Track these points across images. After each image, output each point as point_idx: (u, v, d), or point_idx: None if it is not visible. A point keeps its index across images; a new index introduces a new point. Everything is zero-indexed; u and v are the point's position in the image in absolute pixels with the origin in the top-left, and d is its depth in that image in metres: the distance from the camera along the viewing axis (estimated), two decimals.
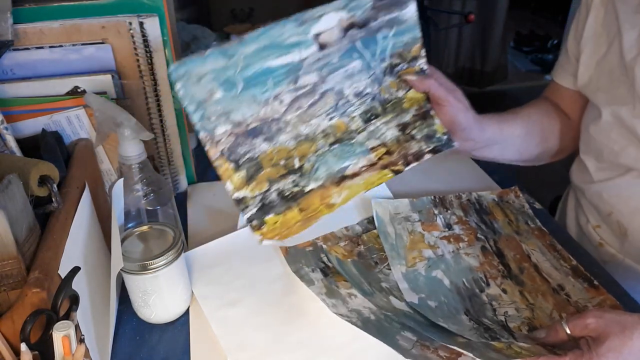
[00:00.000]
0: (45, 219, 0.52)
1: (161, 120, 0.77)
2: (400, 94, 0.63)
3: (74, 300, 0.46)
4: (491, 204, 0.79)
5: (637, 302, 0.64)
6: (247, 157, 0.55)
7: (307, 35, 0.56)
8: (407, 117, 0.64)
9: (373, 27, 0.59)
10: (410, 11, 0.60)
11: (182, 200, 0.82)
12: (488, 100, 3.20)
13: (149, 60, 0.72)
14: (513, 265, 0.68)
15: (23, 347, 0.40)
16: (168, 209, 0.68)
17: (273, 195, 0.56)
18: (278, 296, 0.63)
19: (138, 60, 0.71)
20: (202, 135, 0.53)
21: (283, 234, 0.56)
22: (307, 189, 0.58)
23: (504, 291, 0.64)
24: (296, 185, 0.57)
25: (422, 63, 0.64)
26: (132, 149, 0.61)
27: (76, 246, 0.53)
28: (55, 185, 0.51)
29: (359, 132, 0.61)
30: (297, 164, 0.58)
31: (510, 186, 0.82)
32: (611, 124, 0.69)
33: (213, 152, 0.54)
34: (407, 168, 0.62)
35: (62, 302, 0.44)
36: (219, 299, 0.63)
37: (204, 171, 0.91)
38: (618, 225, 0.73)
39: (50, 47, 0.67)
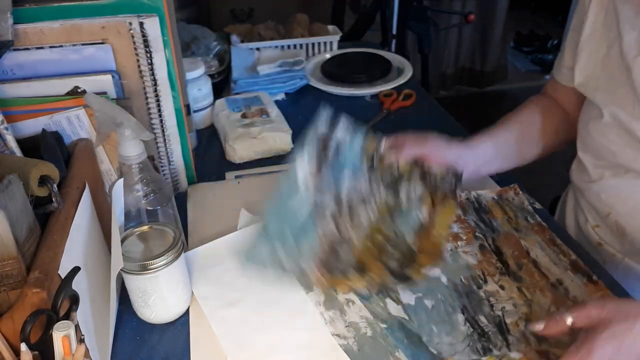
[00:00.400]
0: (46, 219, 0.52)
1: (161, 121, 0.77)
2: (395, 172, 0.70)
3: (74, 300, 0.46)
4: (490, 202, 0.79)
5: (637, 301, 0.64)
6: (344, 267, 0.60)
7: (298, 189, 0.65)
8: (418, 180, 0.70)
9: (333, 153, 0.69)
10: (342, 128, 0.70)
11: (182, 201, 0.82)
12: (488, 100, 3.20)
13: (149, 61, 0.72)
14: (511, 262, 0.68)
15: (23, 347, 0.40)
16: (168, 209, 0.68)
17: (395, 270, 0.60)
18: (278, 296, 0.63)
19: (138, 60, 0.71)
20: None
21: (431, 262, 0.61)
22: (412, 246, 0.63)
23: (502, 287, 0.64)
24: (402, 252, 0.62)
25: (381, 148, 0.72)
26: (132, 149, 0.61)
27: (76, 246, 0.53)
28: (55, 185, 0.51)
29: (400, 205, 0.66)
30: (386, 241, 0.63)
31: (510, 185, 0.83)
32: (610, 124, 0.69)
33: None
34: (457, 199, 0.69)
35: (62, 302, 0.44)
36: (219, 299, 0.63)
37: (204, 171, 0.91)
38: (616, 225, 0.73)
39: (51, 47, 0.67)
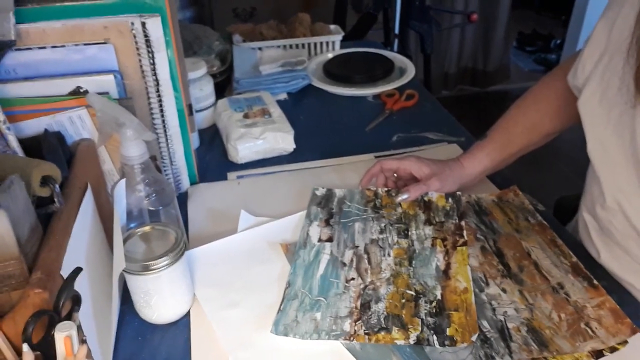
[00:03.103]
0: (48, 219, 0.52)
1: (163, 121, 0.77)
2: (399, 210, 0.77)
3: (76, 300, 0.46)
4: (490, 204, 0.79)
5: (638, 300, 0.64)
6: (381, 320, 0.60)
7: (314, 246, 0.71)
8: (423, 217, 0.76)
9: (337, 207, 0.78)
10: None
11: (183, 200, 0.82)
12: (490, 100, 3.19)
13: (151, 61, 0.72)
14: (512, 264, 0.68)
15: (25, 347, 0.40)
16: (170, 209, 0.68)
17: (429, 320, 0.60)
18: (279, 298, 0.63)
19: (140, 60, 0.71)
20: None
21: (469, 330, 0.59)
22: (439, 296, 0.63)
23: (504, 290, 0.64)
24: (431, 302, 0.62)
25: (379, 192, 0.81)
26: (135, 150, 0.61)
27: (78, 246, 0.53)
28: (57, 186, 0.51)
29: (413, 245, 0.71)
30: (413, 292, 0.64)
31: (510, 187, 0.83)
32: (615, 210, 0.65)
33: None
34: (465, 238, 0.72)
35: (64, 303, 0.44)
36: (220, 299, 0.63)
37: (206, 171, 0.91)
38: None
39: (53, 47, 0.68)
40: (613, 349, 0.56)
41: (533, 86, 0.83)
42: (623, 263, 0.67)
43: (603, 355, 0.56)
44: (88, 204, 0.58)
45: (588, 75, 0.66)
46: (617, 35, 0.62)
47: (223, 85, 1.17)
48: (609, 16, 0.64)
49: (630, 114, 0.59)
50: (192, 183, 0.87)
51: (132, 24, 0.69)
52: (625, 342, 0.57)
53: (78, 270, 0.46)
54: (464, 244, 0.70)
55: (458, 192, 0.79)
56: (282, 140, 0.94)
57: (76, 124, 0.67)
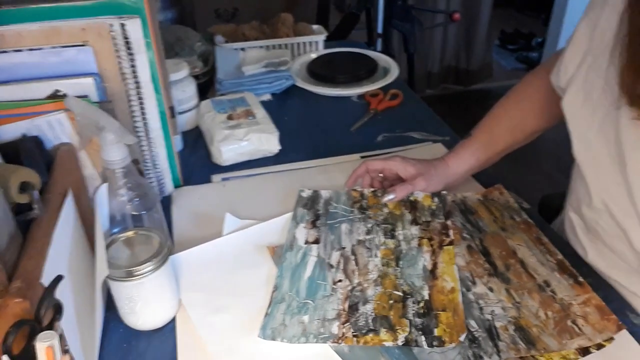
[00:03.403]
0: (27, 227, 0.50)
1: (145, 124, 0.76)
2: (385, 210, 0.77)
3: (58, 309, 0.45)
4: (476, 203, 0.79)
5: (624, 297, 0.64)
6: (369, 322, 0.60)
7: (301, 248, 0.70)
8: (409, 217, 0.76)
9: (323, 208, 0.78)
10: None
11: (167, 204, 0.81)
12: (473, 98, 3.22)
13: (132, 63, 0.71)
14: (499, 263, 0.68)
15: (5, 359, 0.39)
16: (154, 213, 0.67)
17: (417, 321, 0.59)
18: (265, 301, 0.62)
19: (120, 62, 0.70)
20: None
21: (457, 330, 0.58)
22: (426, 297, 0.63)
23: (490, 289, 0.64)
24: (419, 303, 0.62)
25: (365, 192, 0.82)
26: (116, 153, 0.60)
27: (60, 253, 0.51)
28: (36, 192, 0.50)
29: (400, 245, 0.71)
30: (400, 293, 0.63)
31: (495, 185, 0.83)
32: (601, 211, 0.65)
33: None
34: (451, 237, 0.72)
35: (45, 312, 0.43)
36: (206, 304, 0.62)
37: (190, 174, 0.90)
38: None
39: (29, 49, 0.66)
40: (599, 346, 0.56)
41: (516, 85, 0.83)
42: (610, 261, 0.67)
43: (590, 352, 0.56)
44: (69, 209, 0.57)
45: (571, 76, 0.66)
46: (599, 36, 0.62)
47: (206, 87, 1.16)
48: (590, 17, 0.64)
49: (614, 115, 0.59)
50: (176, 186, 0.86)
51: (111, 25, 0.68)
52: (612, 338, 0.57)
53: (59, 279, 0.44)
54: (451, 243, 0.70)
55: (444, 192, 0.79)
56: (267, 141, 0.93)
57: (55, 128, 0.65)
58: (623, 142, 0.58)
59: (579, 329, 0.58)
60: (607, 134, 0.61)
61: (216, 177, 0.89)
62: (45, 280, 0.46)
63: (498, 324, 0.59)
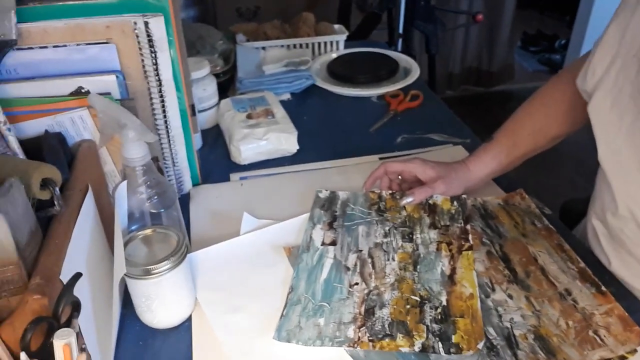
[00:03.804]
0: (48, 223, 0.51)
1: (166, 122, 0.76)
2: (404, 213, 0.76)
3: (76, 307, 0.45)
4: (496, 208, 0.78)
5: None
6: (385, 327, 0.59)
7: (318, 250, 0.70)
8: (427, 220, 0.75)
9: (340, 209, 0.77)
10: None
11: (185, 202, 0.82)
12: (495, 100, 3.18)
13: (154, 61, 0.71)
14: (519, 270, 0.67)
15: (23, 356, 0.40)
16: (172, 211, 0.67)
17: (434, 327, 0.59)
18: (281, 302, 0.62)
19: (143, 60, 0.70)
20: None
21: (475, 337, 0.57)
22: (444, 302, 0.62)
23: (510, 296, 0.63)
24: (437, 308, 0.61)
25: (384, 194, 0.81)
26: (136, 151, 0.61)
27: (79, 250, 0.52)
28: (57, 189, 0.50)
29: (418, 249, 0.70)
30: (418, 298, 0.62)
31: (516, 190, 0.82)
32: (627, 219, 0.64)
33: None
34: (470, 242, 0.71)
35: (63, 309, 0.43)
36: (222, 304, 0.62)
37: (209, 172, 0.90)
38: None
39: (54, 46, 0.67)
40: (622, 358, 0.55)
41: (540, 88, 0.81)
42: (634, 271, 0.66)
43: None
44: (89, 206, 0.57)
45: (598, 80, 0.64)
46: (629, 40, 0.60)
47: (226, 85, 1.16)
48: (620, 20, 0.62)
49: None
50: (195, 184, 0.86)
51: (135, 23, 0.68)
52: (635, 350, 0.56)
53: (78, 276, 0.45)
54: (470, 248, 0.69)
55: (463, 195, 0.78)
56: (286, 141, 0.93)
57: (77, 125, 0.66)
58: None
59: (601, 339, 0.57)
60: (635, 139, 0.59)
61: (234, 176, 0.89)
62: (65, 276, 0.46)
63: (517, 332, 0.58)
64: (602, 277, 0.65)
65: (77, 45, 0.67)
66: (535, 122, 0.79)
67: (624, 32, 0.61)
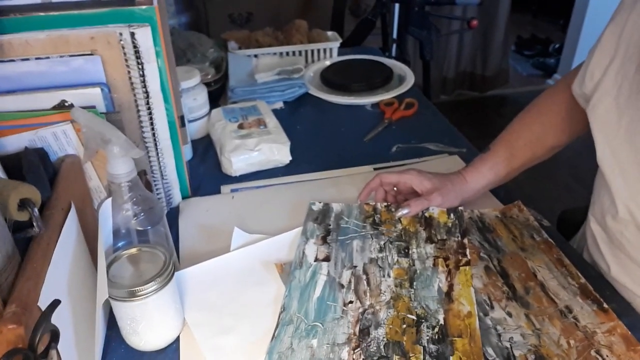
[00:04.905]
0: (27, 244, 0.49)
1: (154, 134, 0.74)
2: (399, 226, 0.74)
3: (54, 335, 0.43)
4: (494, 220, 0.76)
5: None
6: (381, 348, 0.57)
7: (311, 266, 0.68)
8: (424, 234, 0.73)
9: (334, 223, 0.75)
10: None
11: (174, 215, 0.79)
12: (489, 104, 3.17)
13: (141, 72, 0.69)
14: (518, 286, 0.65)
15: None
16: (159, 227, 0.65)
17: (431, 347, 0.57)
18: (273, 322, 0.60)
19: (129, 72, 0.68)
20: None
21: (474, 358, 0.56)
22: (441, 321, 0.60)
23: (509, 314, 0.61)
24: (434, 328, 0.59)
25: (379, 206, 0.79)
26: (121, 167, 0.58)
27: (59, 274, 0.50)
28: (36, 209, 0.48)
29: (414, 265, 0.68)
30: (414, 317, 0.61)
31: (514, 202, 0.80)
32: (628, 221, 0.63)
33: None
34: (468, 257, 0.69)
35: (40, 339, 0.41)
36: (211, 325, 0.60)
37: (199, 184, 0.88)
38: None
39: (37, 58, 0.64)
40: None
41: (536, 98, 0.80)
42: (635, 276, 0.64)
43: None
44: (71, 225, 0.55)
45: (597, 82, 0.63)
46: (626, 41, 0.59)
47: (217, 94, 1.14)
48: (617, 22, 0.62)
49: None
50: (185, 197, 0.84)
51: (121, 34, 0.66)
52: None
53: (56, 303, 0.42)
54: (467, 263, 0.67)
55: (460, 208, 0.77)
56: (278, 151, 0.91)
57: (60, 140, 0.63)
58: None
59: None
60: (634, 140, 0.59)
61: (226, 188, 0.87)
62: (43, 303, 0.44)
63: (517, 353, 0.56)
64: (603, 292, 0.64)
65: (61, 57, 0.65)
66: (533, 132, 0.78)
67: (621, 34, 0.61)
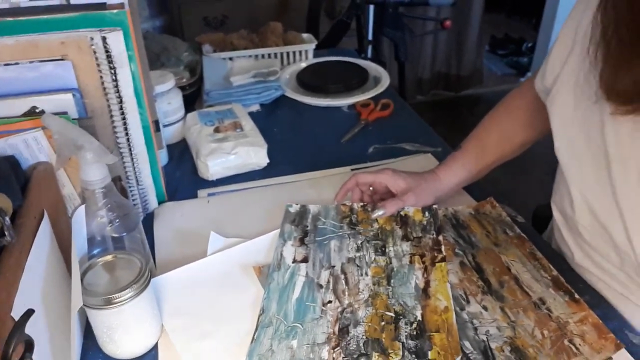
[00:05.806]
0: None
1: (128, 139, 0.73)
2: (376, 226, 0.75)
3: (28, 346, 0.42)
4: (468, 217, 0.78)
5: (623, 316, 0.63)
6: (360, 346, 0.57)
7: (289, 268, 0.68)
8: (400, 232, 0.74)
9: (312, 224, 0.76)
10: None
11: (151, 221, 0.79)
12: (464, 104, 3.21)
13: (114, 77, 0.68)
14: (493, 280, 0.66)
15: None
16: (135, 233, 0.64)
17: (410, 343, 0.57)
18: (252, 325, 0.60)
19: (101, 77, 0.68)
20: None
21: (451, 352, 0.56)
22: (419, 317, 0.61)
23: (485, 308, 0.62)
24: (412, 324, 0.60)
25: (355, 207, 0.80)
26: (95, 174, 0.58)
27: (33, 283, 0.49)
28: (7, 218, 0.47)
29: (391, 263, 0.69)
30: (392, 314, 0.61)
31: (487, 199, 0.81)
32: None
33: None
34: (443, 253, 0.70)
35: (14, 349, 0.40)
36: (190, 330, 0.60)
37: (175, 189, 0.87)
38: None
39: (5, 64, 0.63)
40: None
41: (505, 96, 0.82)
42: (594, 261, 0.66)
43: None
44: (44, 234, 0.54)
45: (557, 75, 0.65)
46: (582, 34, 0.61)
47: (193, 98, 1.14)
48: (574, 16, 0.64)
49: (594, 110, 0.58)
50: (160, 202, 0.83)
51: (92, 39, 0.66)
52: (610, 358, 0.55)
53: (30, 313, 0.42)
54: (443, 259, 0.68)
55: (435, 206, 0.78)
56: (255, 154, 0.91)
57: (32, 147, 0.63)
58: (604, 138, 0.58)
59: (577, 348, 0.57)
60: (588, 129, 0.60)
61: (202, 192, 0.87)
62: (17, 313, 0.43)
63: (493, 345, 0.57)
64: (576, 285, 0.65)
65: (30, 62, 0.64)
66: (502, 130, 0.79)
67: (577, 27, 0.62)
